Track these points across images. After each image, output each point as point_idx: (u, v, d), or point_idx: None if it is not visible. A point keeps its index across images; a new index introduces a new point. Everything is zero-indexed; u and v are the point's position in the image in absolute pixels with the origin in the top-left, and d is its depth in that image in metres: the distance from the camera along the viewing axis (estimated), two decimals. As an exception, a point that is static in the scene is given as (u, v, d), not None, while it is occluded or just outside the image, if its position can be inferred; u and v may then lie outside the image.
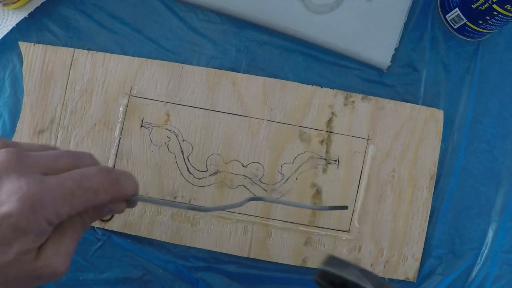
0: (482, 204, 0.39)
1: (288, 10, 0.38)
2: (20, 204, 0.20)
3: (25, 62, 0.38)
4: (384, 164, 0.37)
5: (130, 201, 0.26)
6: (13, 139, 0.37)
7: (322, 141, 0.37)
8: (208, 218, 0.37)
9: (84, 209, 0.24)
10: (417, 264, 0.37)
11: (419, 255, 0.37)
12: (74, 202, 0.23)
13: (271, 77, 0.38)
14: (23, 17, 0.38)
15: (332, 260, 0.27)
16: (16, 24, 0.38)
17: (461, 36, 0.39)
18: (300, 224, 0.37)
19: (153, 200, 0.28)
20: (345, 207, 0.28)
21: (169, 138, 0.37)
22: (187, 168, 0.37)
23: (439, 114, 0.38)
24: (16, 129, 0.37)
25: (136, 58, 0.38)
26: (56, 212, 0.22)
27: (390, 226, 0.37)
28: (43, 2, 0.38)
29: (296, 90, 0.38)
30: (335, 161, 0.37)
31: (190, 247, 0.37)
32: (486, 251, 0.38)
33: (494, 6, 0.33)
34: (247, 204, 0.37)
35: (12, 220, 0.20)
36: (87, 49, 0.38)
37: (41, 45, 0.38)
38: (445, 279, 0.38)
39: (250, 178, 0.37)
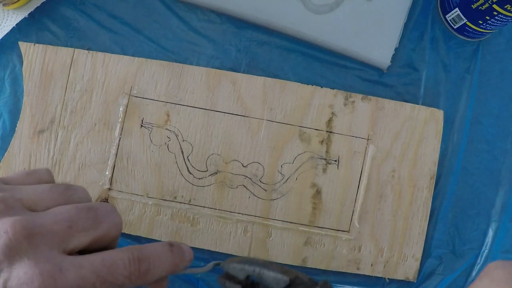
0: (482, 204, 0.39)
1: (288, 10, 0.38)
2: None
3: (25, 62, 0.38)
4: (384, 164, 0.37)
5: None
6: (13, 139, 0.37)
7: (322, 141, 0.37)
8: (208, 218, 0.37)
9: None
10: (417, 264, 0.37)
11: (419, 255, 0.37)
12: None
13: (271, 77, 0.38)
14: (23, 17, 0.38)
15: (233, 258, 0.27)
16: (16, 24, 0.38)
17: (461, 36, 0.39)
18: (300, 224, 0.37)
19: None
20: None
21: (169, 138, 0.37)
22: (187, 168, 0.37)
23: (439, 114, 0.38)
24: (16, 129, 0.37)
25: (136, 58, 0.38)
26: None
27: (390, 226, 0.37)
28: (43, 2, 0.38)
29: (296, 90, 0.38)
30: (335, 161, 0.37)
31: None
32: (486, 251, 0.38)
33: (494, 6, 0.33)
34: (247, 204, 0.37)
35: None
36: (87, 49, 0.38)
37: (41, 45, 0.38)
38: (445, 279, 0.38)
39: (250, 178, 0.37)
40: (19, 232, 0.19)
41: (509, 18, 0.34)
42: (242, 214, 0.37)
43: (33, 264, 0.19)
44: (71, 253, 0.21)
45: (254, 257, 0.26)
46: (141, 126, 0.37)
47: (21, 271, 0.19)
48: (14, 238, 0.19)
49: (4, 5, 0.37)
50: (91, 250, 0.22)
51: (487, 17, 0.35)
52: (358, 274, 0.37)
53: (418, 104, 0.38)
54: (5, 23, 0.38)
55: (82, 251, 0.21)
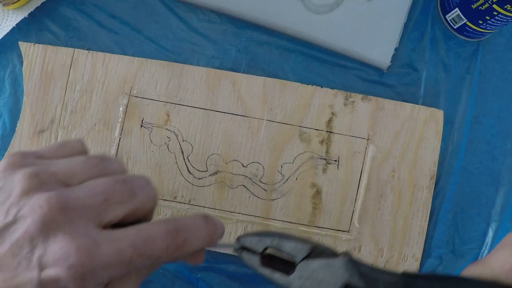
0: (482, 204, 0.39)
1: (288, 10, 0.38)
2: (69, 274, 0.18)
3: (25, 62, 0.38)
4: (384, 164, 0.37)
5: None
6: (13, 139, 0.37)
7: (322, 141, 0.37)
8: (208, 218, 0.37)
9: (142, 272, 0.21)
10: (417, 264, 0.37)
11: (419, 255, 0.37)
12: (130, 267, 0.20)
13: (271, 77, 0.38)
14: (23, 17, 0.38)
15: (250, 232, 0.26)
16: (16, 24, 0.38)
17: (461, 36, 0.39)
18: (300, 224, 0.37)
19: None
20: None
21: (169, 138, 0.37)
22: (187, 168, 0.37)
23: (439, 114, 0.38)
24: (16, 129, 0.37)
25: (136, 58, 0.38)
26: (108, 277, 0.19)
27: (390, 226, 0.37)
28: (43, 2, 0.38)
29: (296, 90, 0.38)
30: (335, 161, 0.37)
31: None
32: (486, 251, 0.38)
33: (494, 6, 0.33)
34: (247, 204, 0.37)
35: (60, 285, 0.18)
36: (87, 49, 0.38)
37: (41, 45, 0.38)
38: (445, 279, 0.38)
39: (250, 178, 0.37)
40: (54, 207, 0.19)
41: (509, 18, 0.34)
42: (242, 214, 0.37)
43: (69, 239, 0.18)
44: (106, 226, 0.20)
45: (270, 230, 0.25)
46: (141, 126, 0.37)
47: (57, 246, 0.18)
48: (49, 212, 0.18)
49: (4, 5, 0.37)
50: (127, 223, 0.21)
51: (487, 17, 0.35)
52: (358, 274, 0.37)
53: (418, 104, 0.38)
54: (5, 23, 0.38)
55: (117, 225, 0.21)
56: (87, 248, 0.18)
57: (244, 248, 0.25)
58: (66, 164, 0.21)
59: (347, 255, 0.24)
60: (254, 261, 0.25)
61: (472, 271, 0.23)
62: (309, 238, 0.25)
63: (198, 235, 0.22)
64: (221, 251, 0.25)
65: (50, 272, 0.18)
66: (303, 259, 0.24)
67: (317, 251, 0.24)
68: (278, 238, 0.24)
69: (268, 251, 0.25)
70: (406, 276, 0.23)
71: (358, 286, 0.23)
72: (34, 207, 0.19)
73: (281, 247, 0.24)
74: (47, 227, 0.18)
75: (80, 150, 0.24)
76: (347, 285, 0.23)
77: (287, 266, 0.24)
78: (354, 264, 0.23)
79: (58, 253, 0.18)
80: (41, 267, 0.18)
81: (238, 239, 0.25)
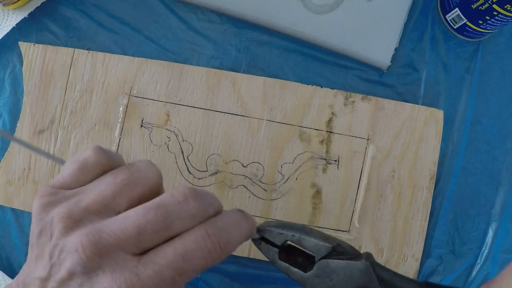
0: (482, 204, 0.39)
1: (288, 10, 0.38)
2: None
3: (25, 62, 0.38)
4: (384, 164, 0.37)
5: None
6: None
7: (322, 141, 0.37)
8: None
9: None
10: (417, 264, 0.37)
11: (419, 255, 0.37)
12: (175, 286, 0.20)
13: (271, 77, 0.38)
14: (23, 17, 0.38)
15: (270, 222, 0.25)
16: (16, 24, 0.38)
17: (461, 36, 0.39)
18: (300, 224, 0.37)
19: None
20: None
21: (169, 138, 0.37)
22: (187, 168, 0.37)
23: (439, 114, 0.38)
24: (16, 129, 0.37)
25: (136, 58, 0.38)
26: None
27: (390, 226, 0.37)
28: (43, 2, 0.38)
29: (296, 90, 0.38)
30: (335, 161, 0.37)
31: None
32: (486, 251, 0.38)
33: (494, 6, 0.33)
34: (247, 204, 0.37)
35: None
36: (87, 49, 0.38)
37: (41, 45, 0.38)
38: (445, 279, 0.38)
39: (250, 178, 0.37)
40: (88, 249, 0.19)
41: (509, 18, 0.34)
42: (242, 214, 0.37)
43: (110, 277, 0.19)
44: (144, 251, 0.20)
45: (293, 222, 0.25)
46: (141, 126, 0.37)
47: (101, 285, 0.19)
48: (85, 256, 0.19)
49: (4, 5, 0.37)
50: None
51: (487, 17, 0.35)
52: (358, 274, 0.37)
53: (418, 104, 0.38)
54: (5, 23, 0.38)
55: None
56: (128, 282, 0.19)
57: (263, 239, 0.24)
58: (95, 192, 0.21)
59: (368, 258, 0.23)
60: (272, 253, 0.24)
61: None
62: (331, 236, 0.24)
63: (240, 231, 0.21)
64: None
65: None
66: (322, 258, 0.23)
67: (338, 251, 0.23)
68: (299, 233, 0.23)
69: (288, 243, 0.24)
70: (427, 286, 0.22)
71: None
72: (71, 250, 0.19)
73: (302, 243, 0.23)
74: (87, 269, 0.19)
75: (100, 164, 0.23)
76: None
77: (305, 260, 0.24)
78: (374, 269, 0.22)
79: None
80: None
81: (258, 229, 0.24)
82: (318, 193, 0.37)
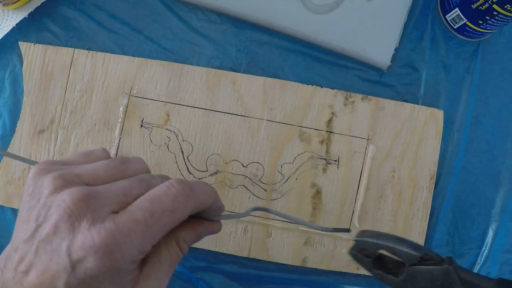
0: (482, 204, 0.39)
1: (288, 10, 0.38)
2: (97, 258, 0.19)
3: (25, 62, 0.38)
4: (384, 164, 0.37)
5: (214, 214, 0.25)
6: (13, 139, 0.37)
7: (322, 141, 0.37)
8: (208, 218, 0.37)
9: (169, 231, 0.22)
10: (417, 264, 0.37)
11: (419, 255, 0.37)
12: (153, 232, 0.21)
13: (271, 77, 0.38)
14: (23, 17, 0.38)
15: (365, 232, 0.28)
16: (16, 24, 0.38)
17: (461, 36, 0.39)
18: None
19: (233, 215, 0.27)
20: (347, 230, 0.28)
21: (169, 138, 0.37)
22: (187, 168, 0.37)
23: (439, 114, 0.38)
24: (16, 129, 0.37)
25: (136, 58, 0.38)
26: (138, 250, 0.21)
27: (390, 226, 0.37)
28: (43, 2, 0.38)
29: (296, 90, 0.38)
30: (335, 161, 0.37)
31: (190, 247, 0.37)
32: (486, 251, 0.38)
33: (494, 6, 0.33)
34: (247, 204, 0.37)
35: (93, 271, 0.20)
36: (87, 49, 0.38)
37: (41, 45, 0.38)
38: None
39: (250, 178, 0.37)
40: (76, 198, 0.20)
41: (509, 18, 0.34)
42: (242, 214, 0.37)
43: (92, 225, 0.20)
44: None
45: (386, 233, 0.28)
46: (141, 126, 0.37)
47: (81, 235, 0.20)
48: (72, 204, 0.20)
49: (4, 5, 0.37)
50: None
51: (487, 17, 0.35)
52: (358, 274, 0.37)
53: (418, 104, 0.38)
54: (5, 23, 0.38)
55: None
56: (107, 229, 0.20)
57: (359, 249, 0.27)
58: (89, 167, 0.23)
59: (451, 262, 0.26)
60: (367, 263, 0.27)
61: None
62: (420, 246, 0.27)
63: (203, 188, 0.23)
64: (236, 218, 0.26)
65: (79, 258, 0.19)
66: (411, 265, 0.26)
67: (426, 258, 0.26)
68: (392, 243, 0.26)
69: (381, 251, 0.27)
70: (503, 283, 0.24)
71: None
72: (59, 203, 0.20)
73: (395, 252, 0.26)
74: (72, 218, 0.20)
75: (104, 157, 0.25)
76: None
77: (395, 266, 0.27)
78: (456, 271, 0.25)
79: (83, 240, 0.20)
80: (70, 255, 0.20)
81: (355, 240, 0.27)
82: (318, 193, 0.37)
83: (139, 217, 0.21)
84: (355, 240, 0.27)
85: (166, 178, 0.24)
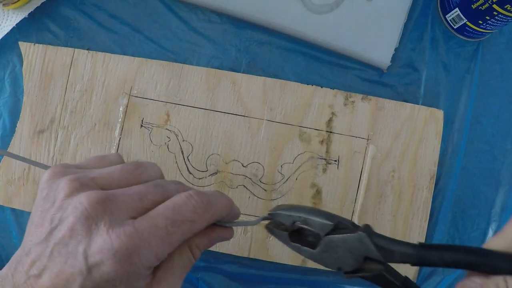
0: (482, 204, 0.39)
1: (288, 10, 0.38)
2: (115, 260, 0.19)
3: (25, 62, 0.38)
4: (384, 164, 0.37)
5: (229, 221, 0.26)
6: (13, 139, 0.37)
7: (322, 141, 0.37)
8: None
9: (184, 240, 0.22)
10: (417, 264, 0.37)
11: (419, 255, 0.37)
12: (172, 240, 0.21)
13: (271, 77, 0.38)
14: (23, 17, 0.38)
15: (279, 206, 0.27)
16: (16, 24, 0.38)
17: (461, 36, 0.39)
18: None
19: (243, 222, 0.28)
20: (270, 218, 0.27)
21: (169, 138, 0.37)
22: (187, 168, 0.37)
23: (439, 114, 0.38)
24: (16, 129, 0.37)
25: (136, 58, 0.38)
26: (155, 256, 0.21)
27: (390, 226, 0.37)
28: (43, 2, 0.38)
29: (296, 90, 0.38)
30: (335, 161, 0.37)
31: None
32: (486, 251, 0.38)
33: (494, 6, 0.33)
34: (247, 204, 0.37)
35: (109, 274, 0.20)
36: (87, 49, 0.38)
37: (41, 45, 0.38)
38: (445, 279, 0.38)
39: (250, 178, 0.37)
40: (93, 201, 0.20)
41: (509, 18, 0.34)
42: (242, 214, 0.37)
43: (110, 229, 0.20)
44: None
45: (300, 204, 0.27)
46: (141, 126, 0.37)
47: (100, 238, 0.20)
48: (90, 207, 0.20)
49: (4, 5, 0.37)
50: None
51: (487, 17, 0.35)
52: (358, 274, 0.37)
53: (418, 104, 0.38)
54: (5, 23, 0.38)
55: None
56: (127, 233, 0.20)
57: (274, 224, 0.27)
58: (104, 171, 0.23)
59: (366, 229, 0.25)
60: (284, 237, 0.26)
61: (491, 243, 0.23)
62: (334, 215, 0.27)
63: (219, 200, 0.24)
64: (245, 225, 0.27)
65: (96, 261, 0.19)
66: (326, 235, 0.25)
67: (340, 226, 0.25)
68: (305, 214, 0.26)
69: (297, 224, 0.26)
70: (422, 247, 0.24)
71: (376, 258, 0.24)
72: (76, 205, 0.20)
73: (308, 223, 0.26)
74: (89, 221, 0.20)
75: (118, 161, 0.25)
76: (366, 257, 0.25)
77: (314, 238, 0.26)
78: (371, 238, 0.25)
79: (101, 243, 0.19)
80: (87, 258, 0.19)
81: (269, 214, 0.27)
82: (318, 193, 0.37)
83: (160, 223, 0.21)
84: (268, 213, 0.27)
85: (180, 184, 0.24)
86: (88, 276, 0.19)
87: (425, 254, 0.24)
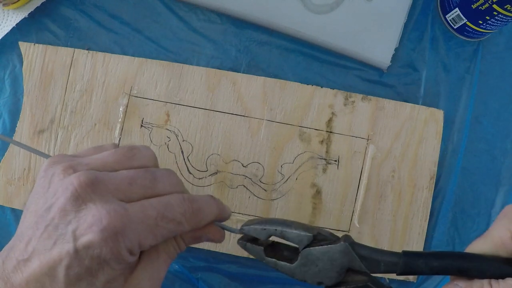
0: (482, 204, 0.39)
1: (288, 10, 0.38)
2: (102, 237, 0.20)
3: (25, 62, 0.38)
4: (384, 164, 0.37)
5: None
6: (13, 139, 0.37)
7: (322, 141, 0.37)
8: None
9: (166, 239, 0.23)
10: (417, 264, 0.37)
11: (419, 255, 0.37)
12: (157, 233, 0.22)
13: (271, 77, 0.38)
14: (23, 17, 0.38)
15: (252, 220, 0.26)
16: (16, 24, 0.38)
17: (461, 36, 0.39)
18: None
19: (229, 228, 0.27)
20: (239, 231, 0.26)
21: (169, 138, 0.37)
22: (187, 168, 0.37)
23: (439, 114, 0.38)
24: (16, 129, 0.38)
25: (136, 58, 0.38)
26: (139, 243, 0.21)
27: (390, 226, 0.37)
28: (43, 2, 0.38)
29: (296, 90, 0.38)
30: (335, 161, 0.37)
31: (190, 247, 0.37)
32: (486, 251, 0.38)
33: (494, 6, 0.33)
34: (247, 204, 0.37)
35: (95, 251, 0.20)
36: (87, 49, 0.38)
37: (41, 45, 0.38)
38: (445, 279, 0.38)
39: (250, 178, 0.37)
40: (83, 181, 0.21)
41: (509, 18, 0.34)
42: (242, 214, 0.37)
43: (100, 206, 0.20)
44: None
45: (272, 217, 0.26)
46: (141, 126, 0.37)
47: (89, 215, 0.20)
48: (79, 187, 0.20)
49: (4, 5, 0.37)
50: None
51: (487, 17, 0.35)
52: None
53: (418, 104, 0.38)
54: (5, 23, 0.38)
55: None
56: (117, 211, 0.20)
57: (248, 239, 0.26)
58: (98, 156, 0.24)
59: (347, 239, 0.24)
60: (259, 251, 0.25)
61: (476, 246, 0.23)
62: (312, 225, 0.25)
63: (209, 207, 0.25)
64: (228, 230, 0.26)
65: (84, 239, 0.20)
66: (305, 247, 0.24)
67: (319, 238, 0.24)
68: (281, 226, 0.25)
69: (272, 238, 0.25)
70: (406, 255, 0.23)
71: (359, 269, 0.23)
72: (67, 186, 0.21)
73: (285, 235, 0.25)
74: (79, 201, 0.20)
75: (114, 148, 0.26)
76: (348, 269, 0.24)
77: (291, 252, 0.25)
78: (354, 248, 0.24)
79: (90, 220, 0.20)
80: (76, 238, 0.20)
81: (242, 228, 0.26)
82: (318, 193, 0.37)
83: (151, 214, 0.21)
84: (241, 228, 0.26)
85: (171, 172, 0.25)
86: (74, 255, 0.20)
87: (411, 262, 0.23)
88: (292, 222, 0.25)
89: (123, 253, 0.21)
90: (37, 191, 0.22)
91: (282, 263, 0.25)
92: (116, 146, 0.26)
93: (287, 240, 0.25)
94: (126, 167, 0.23)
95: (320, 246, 0.24)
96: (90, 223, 0.20)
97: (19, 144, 0.26)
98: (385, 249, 0.25)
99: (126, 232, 0.20)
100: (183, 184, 0.25)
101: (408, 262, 0.23)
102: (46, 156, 0.26)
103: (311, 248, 0.24)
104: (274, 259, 0.25)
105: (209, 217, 0.25)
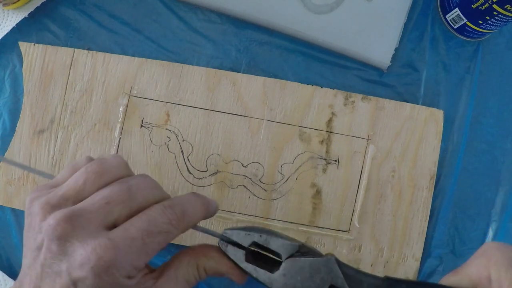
0: (482, 204, 0.39)
1: (288, 10, 0.38)
2: (95, 274, 0.20)
3: (25, 62, 0.38)
4: (384, 164, 0.37)
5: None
6: (13, 139, 0.37)
7: (322, 141, 0.37)
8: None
9: (161, 249, 0.23)
10: (417, 264, 0.37)
11: (419, 255, 0.37)
12: (148, 250, 0.22)
13: (271, 77, 0.38)
14: (23, 17, 0.38)
15: (235, 226, 0.26)
16: (16, 24, 0.38)
17: (461, 36, 0.39)
18: (300, 224, 0.37)
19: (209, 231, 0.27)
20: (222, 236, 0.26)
21: (169, 138, 0.37)
22: (187, 168, 0.37)
23: (439, 114, 0.38)
24: (16, 129, 0.37)
25: (136, 58, 0.38)
26: (133, 267, 0.21)
27: (390, 226, 0.37)
28: (43, 2, 0.38)
29: (296, 90, 0.38)
30: (335, 161, 0.37)
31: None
32: (486, 251, 0.38)
33: (494, 6, 0.33)
34: (247, 204, 0.37)
35: (94, 286, 0.20)
36: (87, 49, 0.38)
37: (41, 45, 0.38)
38: (445, 279, 0.38)
39: (250, 178, 0.37)
40: (61, 220, 0.21)
41: (509, 18, 0.34)
42: (242, 214, 0.37)
43: (84, 243, 0.20)
44: (115, 226, 0.22)
45: (258, 226, 0.26)
46: (141, 126, 0.37)
47: (77, 254, 0.20)
48: (59, 226, 0.21)
49: (4, 5, 0.37)
50: None
51: (487, 17, 0.35)
52: (358, 274, 0.37)
53: (418, 104, 0.38)
54: (5, 23, 0.38)
55: None
56: (102, 245, 0.20)
57: (229, 242, 0.25)
58: (71, 182, 0.23)
59: (332, 256, 0.24)
60: (239, 255, 0.25)
61: (452, 280, 0.23)
62: (295, 238, 0.25)
63: (194, 206, 0.24)
64: (210, 234, 0.26)
65: (79, 277, 0.20)
66: (289, 257, 0.24)
67: (303, 251, 0.24)
68: (266, 234, 0.25)
69: (253, 247, 0.25)
70: (389, 280, 0.23)
71: (341, 286, 0.23)
72: (46, 227, 0.21)
73: (269, 243, 0.24)
74: (62, 240, 0.20)
75: (83, 163, 0.25)
76: (331, 286, 0.23)
77: (270, 264, 0.24)
78: (338, 266, 0.24)
79: (79, 259, 0.20)
80: (71, 275, 0.20)
81: (225, 231, 0.26)
82: (318, 193, 0.37)
83: (135, 235, 0.21)
84: (223, 232, 0.25)
85: (145, 177, 0.24)
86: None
87: (393, 287, 0.23)
88: (276, 232, 0.25)
89: (121, 280, 0.21)
90: (27, 228, 0.23)
91: (262, 270, 0.24)
92: (90, 159, 0.26)
93: (272, 247, 0.24)
94: (100, 184, 0.23)
95: (305, 258, 0.24)
96: (80, 262, 0.20)
97: (11, 162, 0.27)
98: (406, 275, 0.25)
99: (117, 263, 0.20)
100: (160, 186, 0.25)
101: (391, 286, 0.23)
102: (41, 173, 0.26)
103: (295, 257, 0.24)
104: (253, 265, 0.24)
105: (196, 215, 0.24)
